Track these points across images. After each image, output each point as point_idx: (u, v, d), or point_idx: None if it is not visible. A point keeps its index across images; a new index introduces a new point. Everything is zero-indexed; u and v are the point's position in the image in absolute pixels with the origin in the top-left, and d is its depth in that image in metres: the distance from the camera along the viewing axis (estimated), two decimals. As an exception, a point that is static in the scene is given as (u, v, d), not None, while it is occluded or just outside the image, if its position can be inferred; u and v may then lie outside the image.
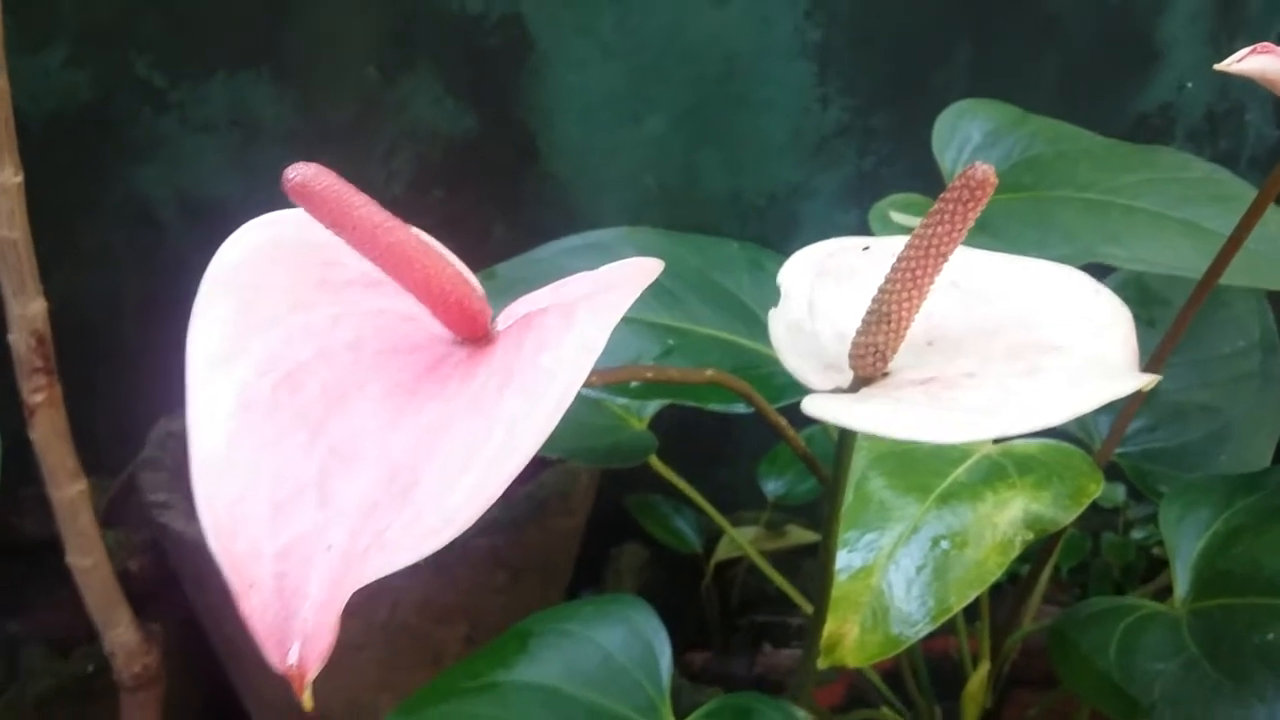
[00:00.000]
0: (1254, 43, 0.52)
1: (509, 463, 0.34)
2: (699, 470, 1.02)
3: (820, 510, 1.20)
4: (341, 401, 0.38)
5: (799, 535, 1.18)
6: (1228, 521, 0.68)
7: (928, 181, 1.11)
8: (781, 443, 1.20)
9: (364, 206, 0.36)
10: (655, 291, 0.80)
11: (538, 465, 0.85)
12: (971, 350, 0.47)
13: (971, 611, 0.72)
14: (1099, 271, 0.57)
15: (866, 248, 0.51)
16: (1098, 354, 0.47)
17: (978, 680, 0.76)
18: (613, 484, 1.14)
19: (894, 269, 0.45)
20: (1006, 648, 0.80)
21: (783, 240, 1.23)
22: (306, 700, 0.32)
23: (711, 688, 1.04)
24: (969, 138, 0.85)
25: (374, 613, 0.92)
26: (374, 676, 1.06)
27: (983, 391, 0.44)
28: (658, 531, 1.16)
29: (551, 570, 1.08)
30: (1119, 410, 0.77)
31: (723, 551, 1.16)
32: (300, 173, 0.34)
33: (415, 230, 0.39)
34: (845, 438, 0.52)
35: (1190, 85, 1.17)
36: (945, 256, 0.45)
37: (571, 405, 0.35)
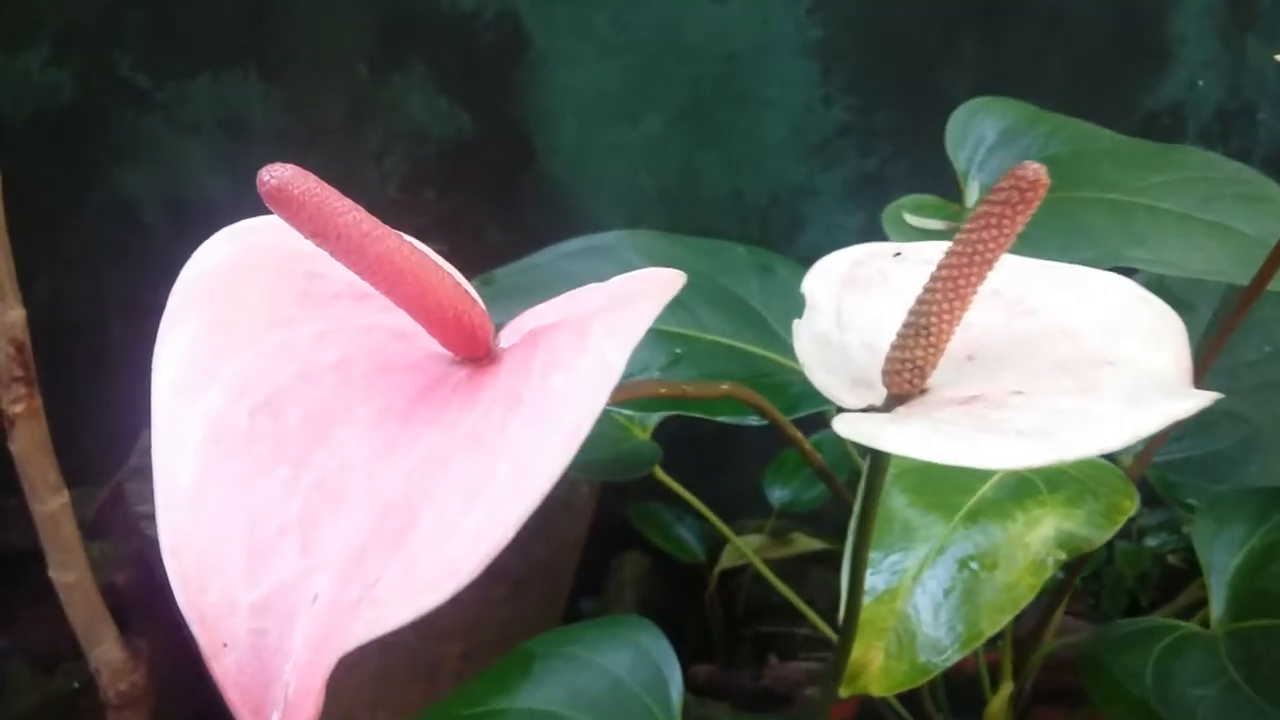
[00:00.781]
0: (1267, 39, 0.47)
1: (517, 504, 0.29)
2: (701, 477, 0.97)
3: (828, 520, 1.15)
4: (326, 430, 0.33)
5: (804, 543, 1.14)
6: (1264, 537, 0.64)
7: (932, 181, 1.07)
8: (787, 449, 1.15)
9: (348, 213, 0.31)
10: (660, 297, 0.75)
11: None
12: (1016, 365, 0.43)
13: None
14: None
15: (898, 254, 0.46)
16: (1151, 369, 0.42)
17: (1000, 700, 0.72)
18: (613, 492, 1.09)
19: (934, 278, 0.41)
20: (1030, 665, 0.76)
21: (785, 242, 1.19)
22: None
23: (718, 703, 0.99)
24: (983, 137, 0.81)
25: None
26: (369, 693, 1.01)
27: (1033, 412, 0.39)
28: (660, 540, 1.11)
29: (553, 582, 1.04)
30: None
31: (726, 560, 1.12)
32: (276, 176, 0.29)
33: (407, 238, 0.34)
34: (878, 459, 0.48)
35: (1201, 83, 1.13)
36: (991, 264, 0.40)
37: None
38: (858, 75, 1.13)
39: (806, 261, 0.92)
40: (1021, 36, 1.14)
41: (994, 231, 0.39)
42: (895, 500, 0.62)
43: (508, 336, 0.38)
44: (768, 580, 0.95)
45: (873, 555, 0.61)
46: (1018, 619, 0.80)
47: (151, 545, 1.01)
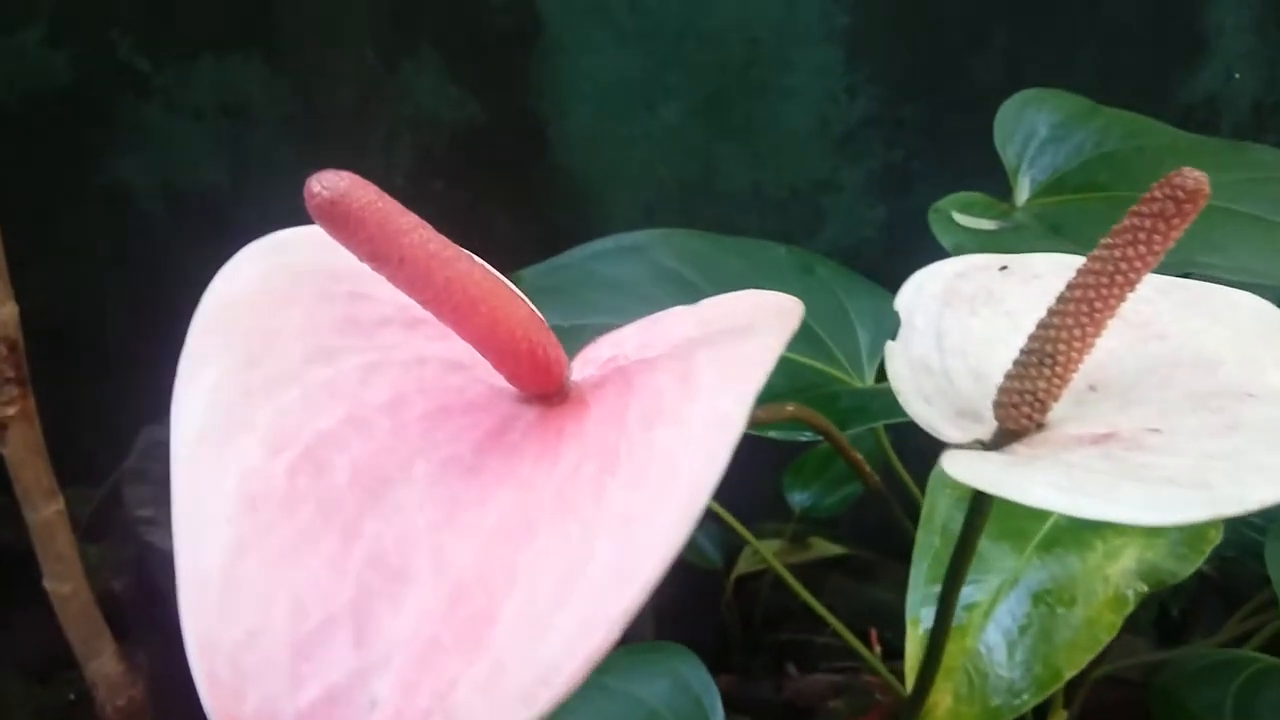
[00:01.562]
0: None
1: (625, 593, 0.23)
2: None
3: (846, 523, 1.10)
4: (380, 489, 0.27)
5: (823, 548, 1.08)
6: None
7: (960, 176, 1.01)
8: (808, 452, 1.09)
9: (414, 232, 0.25)
10: (695, 299, 0.69)
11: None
12: (1146, 397, 0.37)
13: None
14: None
15: (1004, 267, 0.41)
16: (1297, 401, 0.37)
17: (1055, 729, 0.67)
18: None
19: (1064, 299, 0.35)
20: (1082, 688, 0.70)
21: (805, 237, 1.13)
22: None
23: (739, 716, 0.94)
24: (1034, 130, 0.75)
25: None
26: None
27: (1180, 455, 0.33)
28: (675, 544, 1.05)
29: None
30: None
31: (744, 565, 1.06)
32: (330, 187, 0.23)
33: (472, 257, 0.28)
34: (981, 501, 0.42)
35: (1238, 76, 1.07)
36: (1134, 285, 0.34)
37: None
38: (884, 64, 1.07)
39: (829, 255, 0.86)
40: (1054, 25, 1.08)
41: (1141, 248, 0.33)
42: (960, 526, 0.56)
43: (580, 367, 0.32)
44: (786, 586, 0.90)
45: (938, 589, 0.55)
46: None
47: (150, 551, 0.95)
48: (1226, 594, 0.95)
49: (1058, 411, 0.37)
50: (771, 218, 1.13)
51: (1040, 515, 0.57)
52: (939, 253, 1.13)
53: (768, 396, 0.54)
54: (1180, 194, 0.33)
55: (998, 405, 0.37)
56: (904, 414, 0.55)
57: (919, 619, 0.54)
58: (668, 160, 1.11)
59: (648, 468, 0.25)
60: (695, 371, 0.26)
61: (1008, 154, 0.75)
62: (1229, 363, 0.37)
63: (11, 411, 0.82)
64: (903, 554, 1.13)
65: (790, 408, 0.47)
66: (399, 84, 1.08)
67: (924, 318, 0.39)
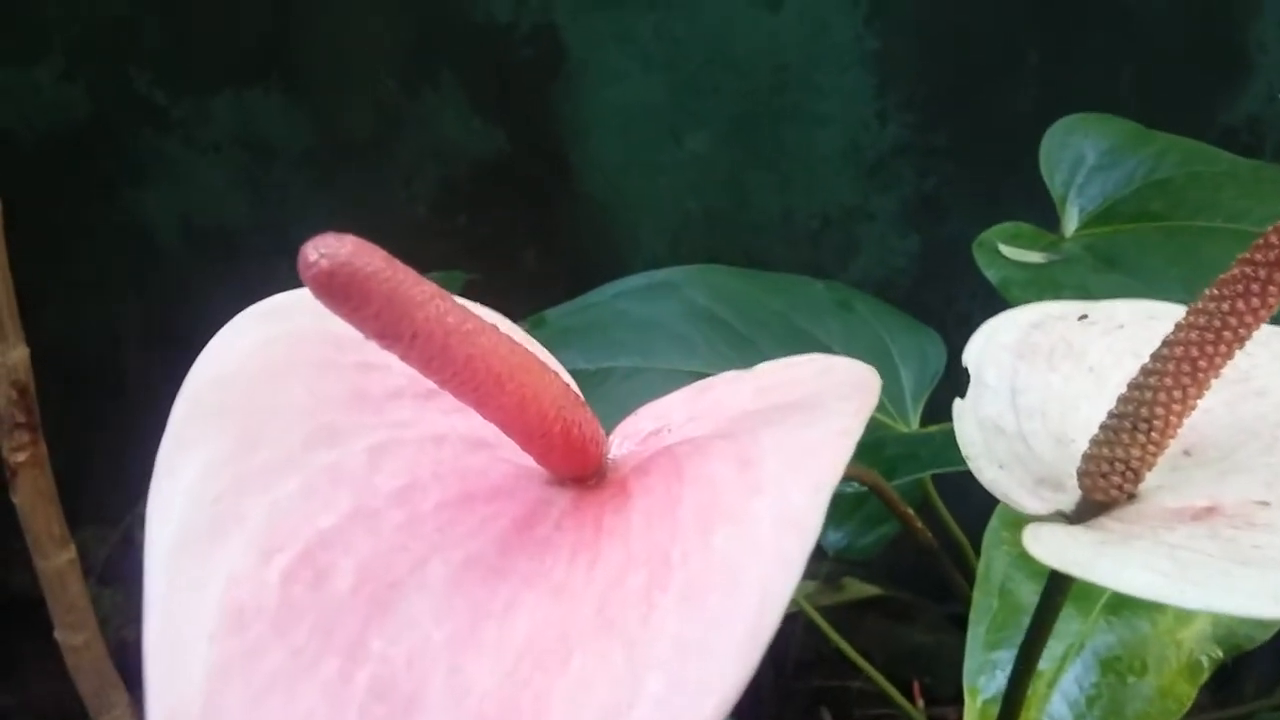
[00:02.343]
0: None
1: (680, 738, 0.19)
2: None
3: (879, 564, 1.05)
4: (390, 598, 0.23)
5: (858, 589, 1.03)
6: None
7: (995, 204, 0.97)
8: (842, 490, 1.05)
9: (430, 303, 0.21)
10: (730, 340, 0.65)
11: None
12: (1249, 464, 0.32)
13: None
14: None
15: (1084, 316, 0.36)
16: None
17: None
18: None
19: (1162, 356, 0.31)
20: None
21: (836, 267, 1.09)
22: None
23: (774, 768, 0.89)
24: (1082, 157, 0.70)
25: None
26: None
27: (1301, 535, 0.29)
28: (705, 585, 1.01)
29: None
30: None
31: (776, 606, 1.01)
32: (329, 255, 0.19)
33: (496, 326, 0.24)
34: (1062, 577, 0.37)
35: (1282, 97, 1.02)
36: (1243, 341, 0.30)
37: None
38: (916, 89, 1.03)
39: (860, 287, 0.82)
40: (1089, 48, 1.04)
41: (1254, 301, 0.29)
42: (1022, 586, 0.52)
43: (619, 443, 0.28)
44: (820, 630, 0.85)
45: (1000, 654, 0.50)
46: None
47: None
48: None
49: (1150, 480, 0.33)
50: (802, 247, 1.09)
51: (1107, 574, 0.52)
52: (973, 283, 1.09)
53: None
54: (1302, 240, 0.28)
55: (1084, 474, 0.32)
56: (956, 462, 0.50)
57: (978, 689, 0.50)
58: (695, 190, 1.07)
59: (706, 580, 0.20)
60: (758, 458, 0.22)
61: (1054, 182, 0.71)
62: (1341, 424, 0.33)
63: (22, 458, 0.78)
64: (939, 595, 1.08)
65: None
66: (420, 114, 1.04)
67: (996, 372, 0.35)
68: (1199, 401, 0.31)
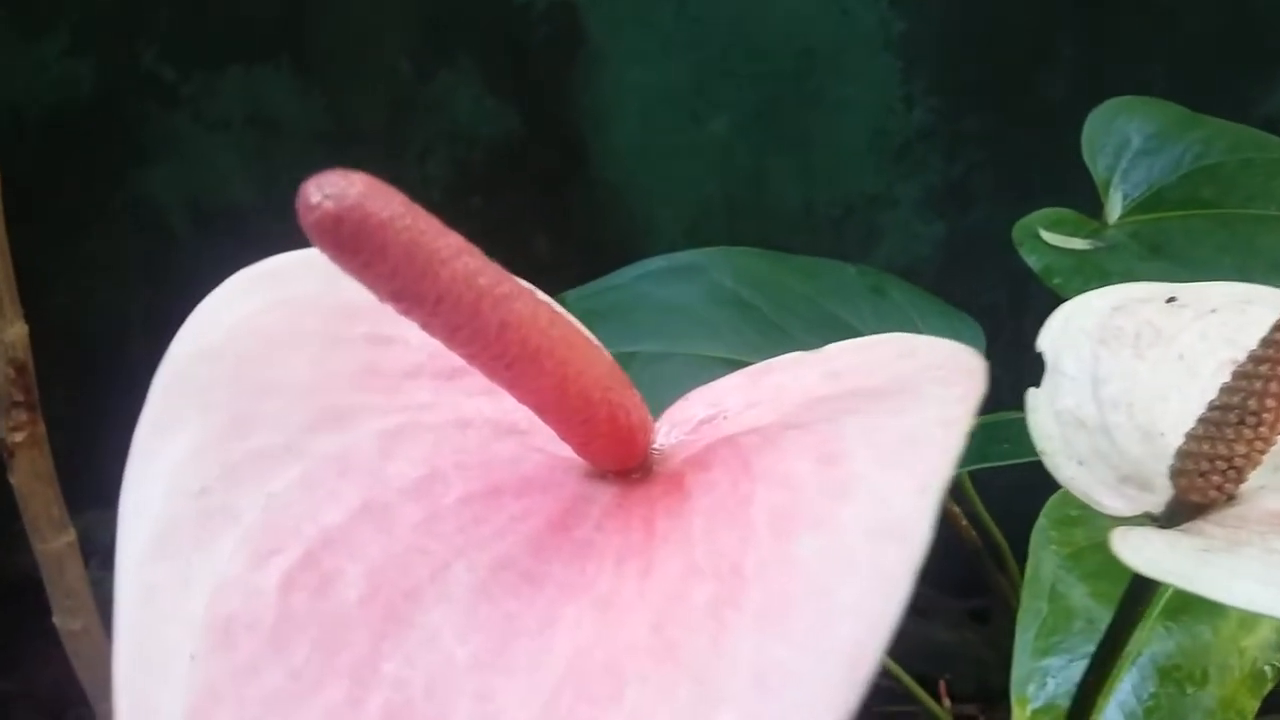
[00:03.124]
0: None
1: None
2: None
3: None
4: (406, 609, 0.19)
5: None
6: None
7: (1024, 191, 0.92)
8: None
9: (457, 259, 0.17)
10: (757, 325, 0.61)
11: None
12: (1362, 463, 0.29)
13: None
14: None
15: (1172, 299, 0.32)
16: None
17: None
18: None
19: (1274, 342, 0.27)
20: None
21: (858, 255, 1.05)
22: None
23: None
24: (1127, 141, 0.66)
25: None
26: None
27: None
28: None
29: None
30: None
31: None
32: (334, 195, 0.15)
33: (534, 291, 0.20)
34: (1144, 586, 0.33)
35: (1321, 87, 0.98)
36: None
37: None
38: (943, 74, 0.99)
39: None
40: (1122, 34, 1.00)
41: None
42: (1073, 589, 0.48)
43: (666, 431, 0.24)
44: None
45: (1050, 661, 0.47)
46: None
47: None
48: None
49: (1253, 480, 0.29)
50: (823, 235, 1.05)
51: (1164, 578, 0.48)
52: (999, 273, 1.05)
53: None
54: None
55: (1178, 472, 0.29)
56: (996, 458, 0.46)
57: (1027, 698, 0.46)
58: (715, 176, 1.03)
59: (789, 597, 0.17)
60: (843, 453, 0.18)
61: (1097, 166, 0.67)
62: None
63: (19, 438, 0.75)
64: (960, 591, 1.04)
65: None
66: (434, 95, 1.00)
67: (1075, 360, 0.31)
68: (1315, 393, 0.27)
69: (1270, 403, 0.27)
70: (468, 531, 0.21)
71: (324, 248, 0.16)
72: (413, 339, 0.23)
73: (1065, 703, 0.45)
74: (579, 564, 0.20)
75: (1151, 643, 0.46)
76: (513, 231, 1.05)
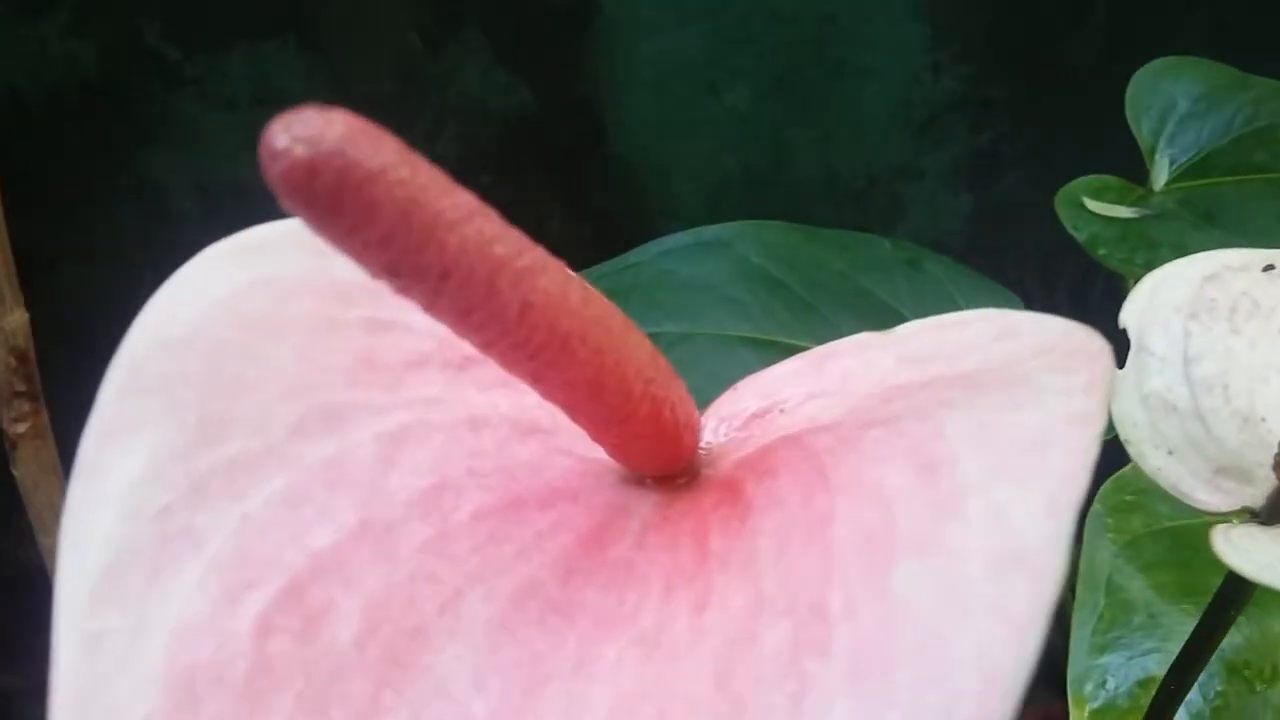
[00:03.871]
0: None
1: None
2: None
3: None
4: (410, 652, 0.15)
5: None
6: None
7: (1055, 163, 0.88)
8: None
9: (467, 223, 0.13)
10: (787, 302, 0.57)
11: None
12: None
13: None
14: None
15: (1270, 267, 0.29)
16: None
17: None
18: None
19: None
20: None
21: (882, 229, 1.01)
22: None
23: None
24: (1173, 103, 0.62)
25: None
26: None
27: None
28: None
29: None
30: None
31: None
32: (307, 140, 0.12)
33: (562, 266, 0.16)
34: (1240, 588, 0.30)
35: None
36: None
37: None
38: (972, 40, 0.95)
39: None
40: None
41: None
42: (1132, 581, 0.44)
43: (714, 427, 0.21)
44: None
45: (1109, 659, 0.43)
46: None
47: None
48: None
49: (1370, 472, 0.25)
50: (846, 209, 1.01)
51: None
52: (1029, 245, 1.01)
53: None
54: None
55: (1285, 463, 0.25)
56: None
57: (1084, 697, 0.43)
58: (734, 149, 0.99)
59: (888, 644, 0.13)
60: (948, 458, 0.15)
61: (1142, 130, 0.63)
62: None
63: (22, 429, 0.72)
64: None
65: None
66: (443, 70, 0.97)
67: (1165, 337, 0.27)
68: None
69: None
70: (484, 553, 0.17)
71: (295, 208, 0.12)
72: (416, 323, 0.19)
73: (1125, 702, 0.41)
74: (617, 591, 0.17)
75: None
76: (525, 208, 1.00)
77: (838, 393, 0.19)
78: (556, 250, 0.62)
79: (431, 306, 0.14)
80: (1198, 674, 0.32)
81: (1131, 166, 0.68)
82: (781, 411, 0.20)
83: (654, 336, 0.57)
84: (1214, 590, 0.44)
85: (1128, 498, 0.46)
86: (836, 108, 0.97)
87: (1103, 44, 0.94)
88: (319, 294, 0.18)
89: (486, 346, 0.15)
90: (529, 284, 0.14)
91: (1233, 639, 0.43)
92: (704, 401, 0.22)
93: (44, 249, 0.71)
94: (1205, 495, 0.26)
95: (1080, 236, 0.58)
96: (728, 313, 0.56)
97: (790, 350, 0.56)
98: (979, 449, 0.15)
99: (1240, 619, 0.44)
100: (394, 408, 0.18)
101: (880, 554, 0.14)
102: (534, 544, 0.17)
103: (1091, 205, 0.58)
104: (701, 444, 0.20)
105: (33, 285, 0.70)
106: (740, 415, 0.20)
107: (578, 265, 0.64)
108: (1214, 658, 0.43)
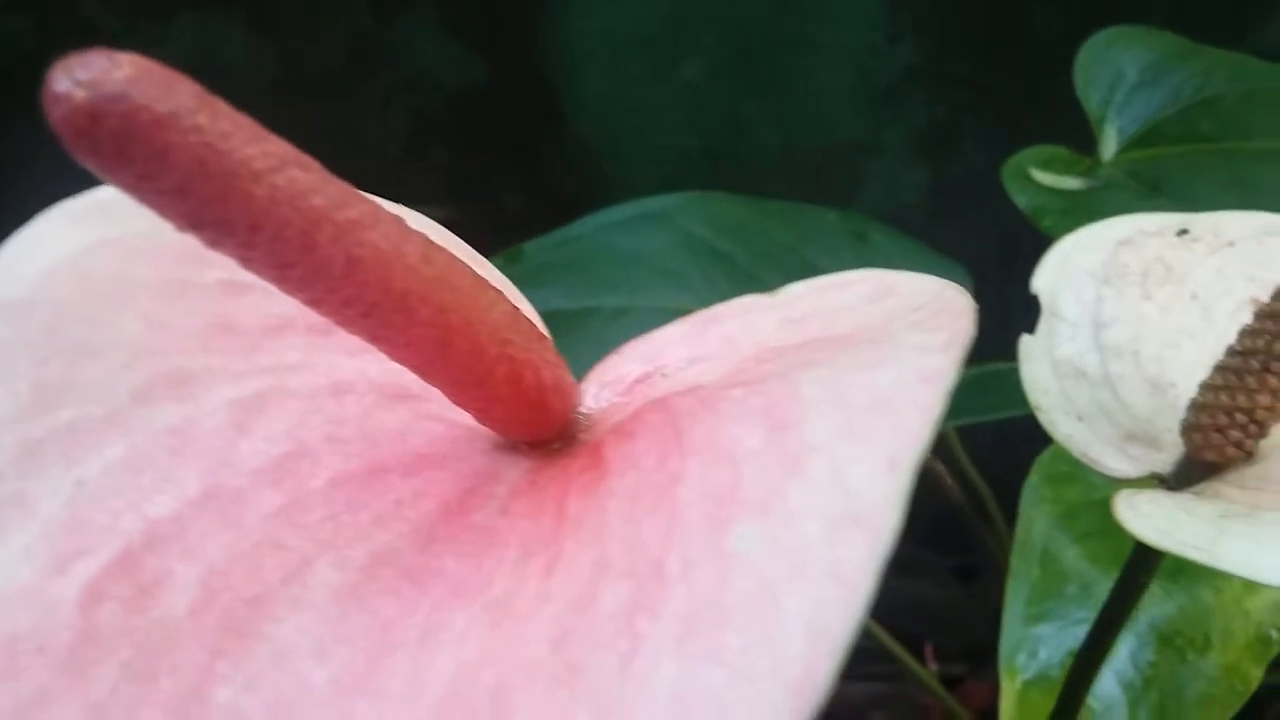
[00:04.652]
0: None
1: None
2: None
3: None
4: (250, 621, 0.15)
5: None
6: None
7: (1014, 135, 0.88)
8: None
9: (278, 173, 0.13)
10: (730, 275, 0.57)
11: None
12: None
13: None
14: None
15: (1184, 231, 0.28)
16: None
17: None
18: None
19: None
20: None
21: (843, 205, 1.00)
22: None
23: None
24: (1122, 73, 0.62)
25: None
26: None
27: None
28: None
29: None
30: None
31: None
32: (89, 84, 0.11)
33: (401, 219, 0.16)
34: (1150, 554, 0.30)
35: (1321, 18, 0.93)
36: None
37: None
38: (930, 11, 0.94)
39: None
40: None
41: None
42: (1066, 550, 0.45)
43: (597, 393, 0.20)
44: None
45: (1040, 629, 0.43)
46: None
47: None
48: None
49: (1274, 435, 0.25)
50: (803, 183, 1.00)
51: (1166, 539, 0.45)
52: (988, 219, 1.01)
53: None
54: None
55: (1190, 428, 0.25)
56: (982, 412, 0.42)
57: (1017, 669, 0.43)
58: (690, 123, 0.98)
59: (721, 605, 0.13)
60: (798, 418, 0.14)
61: (1091, 101, 0.63)
62: None
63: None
64: (946, 548, 1.01)
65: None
66: (394, 43, 0.95)
67: (1075, 303, 0.27)
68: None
69: (1302, 345, 0.23)
70: (339, 521, 0.17)
71: (80, 155, 0.12)
72: (280, 286, 0.19)
73: (1058, 673, 0.42)
74: (476, 558, 0.16)
75: (1150, 606, 0.43)
76: (479, 185, 1.00)
77: (719, 356, 0.19)
78: (513, 225, 0.62)
79: (247, 261, 0.14)
80: (1112, 641, 0.31)
81: (1090, 137, 0.68)
82: (664, 376, 0.20)
83: (594, 310, 0.57)
84: (1155, 568, 0.45)
85: (1064, 468, 0.46)
86: (793, 81, 0.96)
87: (1059, 16, 0.94)
88: (170, 255, 0.18)
89: (315, 304, 0.14)
90: (354, 238, 0.14)
91: (1165, 609, 0.43)
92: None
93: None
94: (1114, 462, 0.26)
95: (1026, 207, 0.58)
96: (669, 285, 0.56)
97: (734, 324, 0.56)
98: (830, 408, 0.14)
99: (1173, 589, 0.44)
100: (250, 374, 0.18)
101: (723, 514, 0.14)
102: (394, 511, 0.17)
103: (1038, 176, 0.58)
104: (582, 409, 0.20)
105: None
106: (623, 380, 0.20)
107: (534, 236, 0.63)
108: (1146, 628, 0.43)
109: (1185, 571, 0.44)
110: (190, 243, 0.18)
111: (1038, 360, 0.27)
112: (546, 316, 0.21)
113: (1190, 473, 0.26)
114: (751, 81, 0.97)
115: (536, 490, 0.18)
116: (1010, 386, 0.29)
